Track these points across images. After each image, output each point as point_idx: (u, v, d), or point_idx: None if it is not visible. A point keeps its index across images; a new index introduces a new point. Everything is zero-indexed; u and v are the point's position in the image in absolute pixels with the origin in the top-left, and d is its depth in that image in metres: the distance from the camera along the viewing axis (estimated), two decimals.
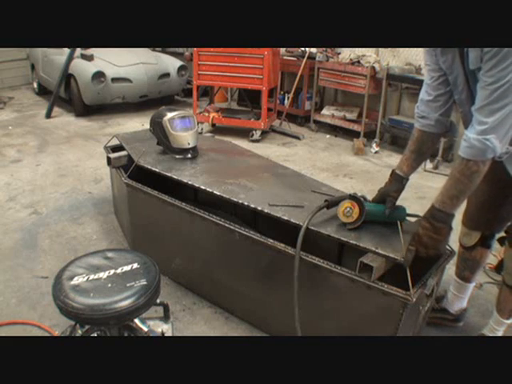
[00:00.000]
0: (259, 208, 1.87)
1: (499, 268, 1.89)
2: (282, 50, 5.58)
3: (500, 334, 1.86)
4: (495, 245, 1.92)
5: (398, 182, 1.69)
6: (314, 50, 5.31)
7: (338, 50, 5.34)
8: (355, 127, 4.99)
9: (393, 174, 1.70)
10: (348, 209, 1.64)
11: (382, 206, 1.67)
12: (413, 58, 4.76)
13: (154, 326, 1.64)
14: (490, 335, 1.88)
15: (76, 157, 4.26)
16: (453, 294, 2.05)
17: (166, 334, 1.66)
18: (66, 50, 5.61)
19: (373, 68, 4.66)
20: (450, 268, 2.52)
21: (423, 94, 1.63)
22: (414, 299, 1.44)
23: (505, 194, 1.73)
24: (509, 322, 1.83)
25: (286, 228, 1.85)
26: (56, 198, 3.34)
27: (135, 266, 1.55)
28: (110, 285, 1.45)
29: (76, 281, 1.46)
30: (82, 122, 5.54)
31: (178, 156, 2.43)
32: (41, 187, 3.53)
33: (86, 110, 5.73)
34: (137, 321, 1.55)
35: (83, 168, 3.97)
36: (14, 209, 3.14)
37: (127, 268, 1.54)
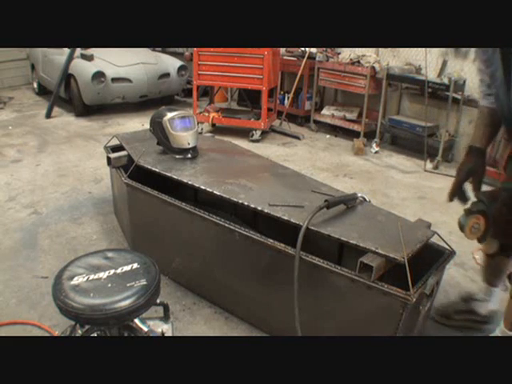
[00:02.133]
0: (259, 208, 1.87)
1: (510, 278, 1.89)
2: (282, 50, 5.58)
3: None
4: None
5: (479, 157, 1.62)
6: (313, 50, 5.31)
7: (338, 50, 5.34)
8: (355, 127, 5.00)
9: (471, 149, 1.64)
10: (476, 225, 1.56)
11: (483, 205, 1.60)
12: (413, 58, 4.76)
13: (153, 326, 1.64)
14: None
15: (76, 157, 4.26)
16: (481, 297, 2.07)
17: (166, 334, 1.66)
18: (66, 50, 5.61)
19: (373, 68, 4.66)
20: (450, 268, 2.53)
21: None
22: (414, 299, 1.44)
23: None
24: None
25: (286, 228, 1.85)
26: (56, 197, 3.34)
27: (135, 266, 1.55)
28: (110, 285, 1.45)
29: (76, 281, 1.46)
30: (82, 122, 5.54)
31: (178, 156, 2.43)
32: (41, 187, 3.53)
33: (86, 110, 5.73)
34: (137, 321, 1.55)
35: (83, 168, 3.97)
36: (13, 209, 3.14)
37: (127, 268, 1.54)
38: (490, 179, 2.70)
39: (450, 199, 1.64)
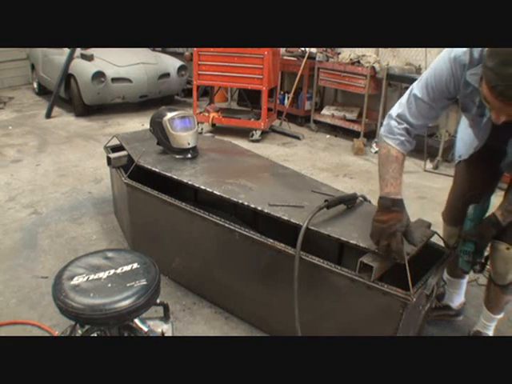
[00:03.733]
0: (259, 208, 1.87)
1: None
2: (282, 50, 5.58)
3: (492, 328, 1.89)
4: None
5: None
6: (314, 50, 5.31)
7: (338, 50, 5.34)
8: (355, 127, 5.00)
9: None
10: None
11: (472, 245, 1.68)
12: (413, 58, 4.76)
13: (153, 326, 1.64)
14: (485, 331, 1.90)
15: (76, 157, 4.26)
16: (449, 291, 2.11)
17: (165, 334, 1.66)
18: (66, 50, 5.61)
19: (373, 68, 4.66)
20: None
21: (412, 118, 1.55)
22: (414, 299, 1.44)
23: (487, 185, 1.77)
24: (499, 316, 1.86)
25: (286, 228, 1.85)
26: (56, 197, 3.34)
27: (135, 266, 1.55)
28: (110, 285, 1.45)
29: (76, 281, 1.46)
30: (82, 122, 5.54)
31: (177, 156, 2.43)
32: (41, 187, 3.53)
33: (86, 110, 5.74)
34: (137, 321, 1.55)
35: (83, 168, 3.97)
36: (13, 209, 3.14)
37: (127, 268, 1.54)
38: None
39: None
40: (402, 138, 1.57)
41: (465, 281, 2.08)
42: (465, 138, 1.79)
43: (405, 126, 1.56)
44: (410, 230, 1.50)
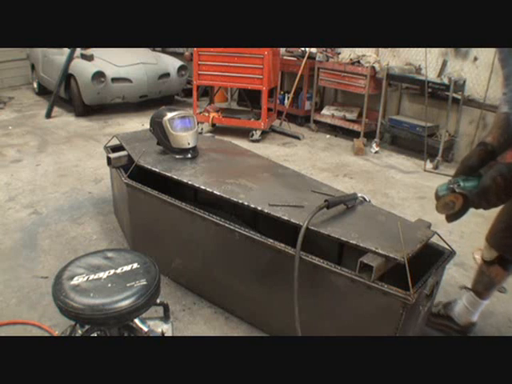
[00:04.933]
0: (259, 208, 1.87)
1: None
2: (282, 50, 5.58)
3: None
4: None
5: (485, 151, 1.47)
6: (314, 50, 5.31)
7: (338, 50, 5.34)
8: (355, 127, 5.00)
9: (480, 144, 1.50)
10: (451, 203, 1.46)
11: (475, 182, 1.45)
12: (413, 58, 4.76)
13: (153, 326, 1.64)
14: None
15: (76, 157, 4.26)
16: (464, 305, 1.98)
17: (165, 334, 1.66)
18: (66, 50, 5.61)
19: (373, 68, 4.66)
20: (450, 268, 2.53)
21: None
22: (414, 299, 1.44)
23: None
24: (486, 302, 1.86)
25: (286, 228, 1.85)
26: (56, 198, 3.34)
27: (135, 266, 1.55)
28: (110, 285, 1.45)
29: (76, 281, 1.46)
30: (82, 122, 5.54)
31: (177, 156, 2.43)
32: (41, 187, 3.53)
33: (86, 110, 5.74)
34: (137, 321, 1.55)
35: (83, 168, 3.97)
36: (13, 209, 3.14)
37: (127, 268, 1.54)
38: None
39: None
40: None
41: (484, 302, 1.94)
42: None
43: None
44: None
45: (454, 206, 1.45)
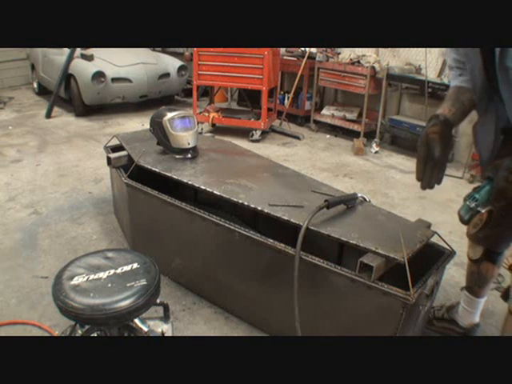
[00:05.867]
0: (259, 208, 1.87)
1: (506, 296, 1.81)
2: (282, 50, 5.58)
3: None
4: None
5: (444, 125, 1.44)
6: (314, 50, 5.31)
7: (338, 50, 5.34)
8: (355, 127, 5.00)
9: (433, 117, 1.48)
10: (478, 221, 1.48)
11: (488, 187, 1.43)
12: (413, 57, 4.76)
13: (153, 326, 1.64)
14: None
15: (76, 157, 4.26)
16: (463, 307, 1.99)
17: (165, 334, 1.66)
18: (66, 50, 5.61)
19: (373, 68, 4.66)
20: (450, 268, 2.53)
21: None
22: (414, 299, 1.44)
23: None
24: None
25: (286, 228, 1.85)
26: (56, 198, 3.34)
27: (135, 266, 1.55)
28: (110, 285, 1.45)
29: (76, 281, 1.46)
30: (82, 122, 5.54)
31: (177, 156, 2.43)
32: (41, 187, 3.53)
33: (86, 110, 5.74)
34: (137, 321, 1.55)
35: (83, 168, 3.97)
36: (13, 209, 3.14)
37: (127, 268, 1.54)
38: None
39: (418, 179, 1.46)
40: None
41: (482, 300, 1.94)
42: None
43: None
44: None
45: (482, 221, 1.46)
